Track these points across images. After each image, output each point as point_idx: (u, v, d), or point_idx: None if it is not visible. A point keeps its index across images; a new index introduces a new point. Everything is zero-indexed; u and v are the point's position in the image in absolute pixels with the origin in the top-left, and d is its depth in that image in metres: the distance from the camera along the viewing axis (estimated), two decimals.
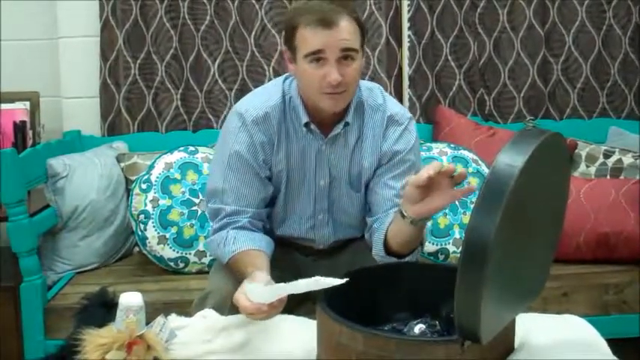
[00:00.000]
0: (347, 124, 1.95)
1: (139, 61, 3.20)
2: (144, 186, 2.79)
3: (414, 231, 1.77)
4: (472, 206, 1.20)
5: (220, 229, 1.96)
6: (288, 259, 2.09)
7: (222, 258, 1.92)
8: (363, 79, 2.79)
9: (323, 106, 1.88)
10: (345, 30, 1.79)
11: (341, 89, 1.83)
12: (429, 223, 2.78)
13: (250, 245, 1.88)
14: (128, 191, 2.91)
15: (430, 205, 1.69)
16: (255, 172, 1.96)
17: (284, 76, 2.03)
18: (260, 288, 1.62)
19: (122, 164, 2.99)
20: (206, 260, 2.75)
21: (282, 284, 1.60)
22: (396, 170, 1.98)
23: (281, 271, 1.86)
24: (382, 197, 1.99)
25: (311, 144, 1.97)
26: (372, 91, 2.03)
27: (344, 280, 1.53)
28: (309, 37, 1.80)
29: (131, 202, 2.79)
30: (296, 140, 1.97)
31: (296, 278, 1.96)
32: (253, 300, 1.60)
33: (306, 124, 1.94)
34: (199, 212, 2.77)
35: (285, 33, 1.89)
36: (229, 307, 1.77)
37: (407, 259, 1.86)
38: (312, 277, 1.55)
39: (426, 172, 1.62)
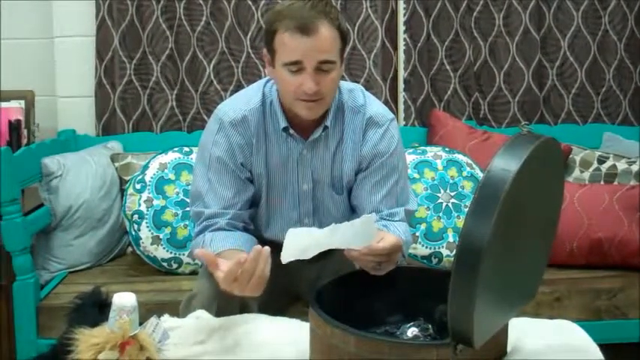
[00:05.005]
0: (326, 127, 1.94)
1: (134, 61, 3.20)
2: (138, 186, 2.78)
3: None
4: (466, 210, 1.20)
5: (200, 232, 1.95)
6: (277, 261, 2.09)
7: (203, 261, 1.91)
8: (358, 82, 2.80)
9: (299, 113, 1.88)
10: (325, 39, 1.77)
11: (317, 97, 1.82)
12: (423, 227, 2.79)
13: (227, 246, 1.86)
14: (122, 191, 2.91)
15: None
16: (235, 175, 1.95)
17: (265, 79, 2.01)
18: (302, 231, 1.62)
19: (116, 164, 2.99)
20: (199, 261, 2.74)
21: (324, 231, 1.60)
22: (377, 175, 1.97)
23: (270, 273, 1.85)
24: (366, 202, 1.98)
25: (292, 148, 1.97)
26: (353, 93, 2.01)
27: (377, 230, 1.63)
28: (288, 45, 1.78)
29: (125, 202, 2.79)
30: (276, 144, 1.97)
31: (286, 282, 1.95)
32: (287, 244, 1.59)
33: (285, 129, 1.94)
34: None
35: (265, 36, 1.87)
36: (215, 309, 1.77)
37: None
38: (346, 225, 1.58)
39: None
